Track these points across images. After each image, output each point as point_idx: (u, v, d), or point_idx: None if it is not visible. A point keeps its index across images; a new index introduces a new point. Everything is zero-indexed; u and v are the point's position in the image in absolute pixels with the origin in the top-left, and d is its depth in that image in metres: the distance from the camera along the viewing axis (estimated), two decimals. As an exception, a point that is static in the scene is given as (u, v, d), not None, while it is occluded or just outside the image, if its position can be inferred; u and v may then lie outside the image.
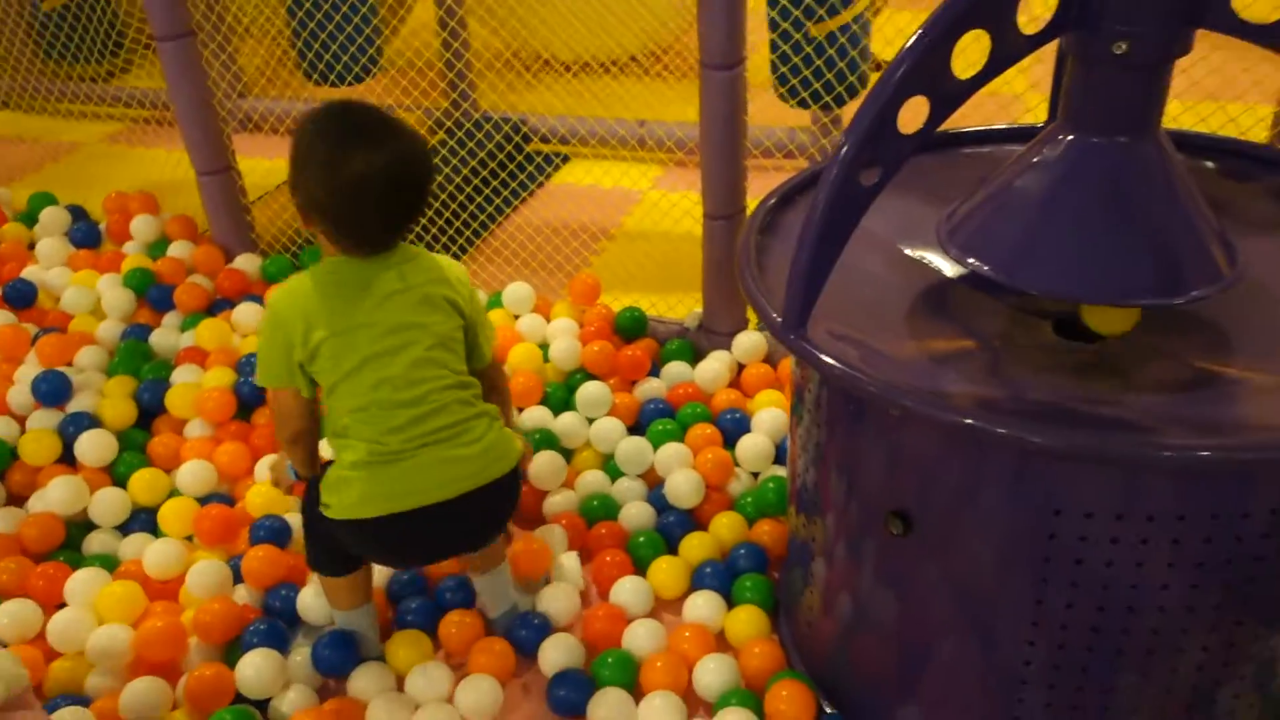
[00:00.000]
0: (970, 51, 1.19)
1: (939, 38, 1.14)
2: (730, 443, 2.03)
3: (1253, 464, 1.09)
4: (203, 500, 1.98)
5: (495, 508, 1.60)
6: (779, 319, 1.28)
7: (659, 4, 3.63)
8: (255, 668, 1.62)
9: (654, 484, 1.99)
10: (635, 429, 2.11)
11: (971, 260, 1.31)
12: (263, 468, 1.99)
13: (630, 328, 2.32)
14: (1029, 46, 1.22)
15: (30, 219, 2.82)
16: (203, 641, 1.71)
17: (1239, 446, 1.07)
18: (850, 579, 1.46)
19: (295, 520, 1.93)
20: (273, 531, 1.89)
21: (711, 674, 1.60)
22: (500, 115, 3.47)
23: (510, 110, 3.56)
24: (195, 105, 2.40)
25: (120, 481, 2.02)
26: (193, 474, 2.01)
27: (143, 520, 1.97)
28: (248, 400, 2.17)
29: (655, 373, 2.25)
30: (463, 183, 3.07)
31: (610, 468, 2.02)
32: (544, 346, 2.29)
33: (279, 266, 2.55)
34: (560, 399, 2.16)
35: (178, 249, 2.60)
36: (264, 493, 1.96)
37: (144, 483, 1.99)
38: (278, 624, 1.73)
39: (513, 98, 3.67)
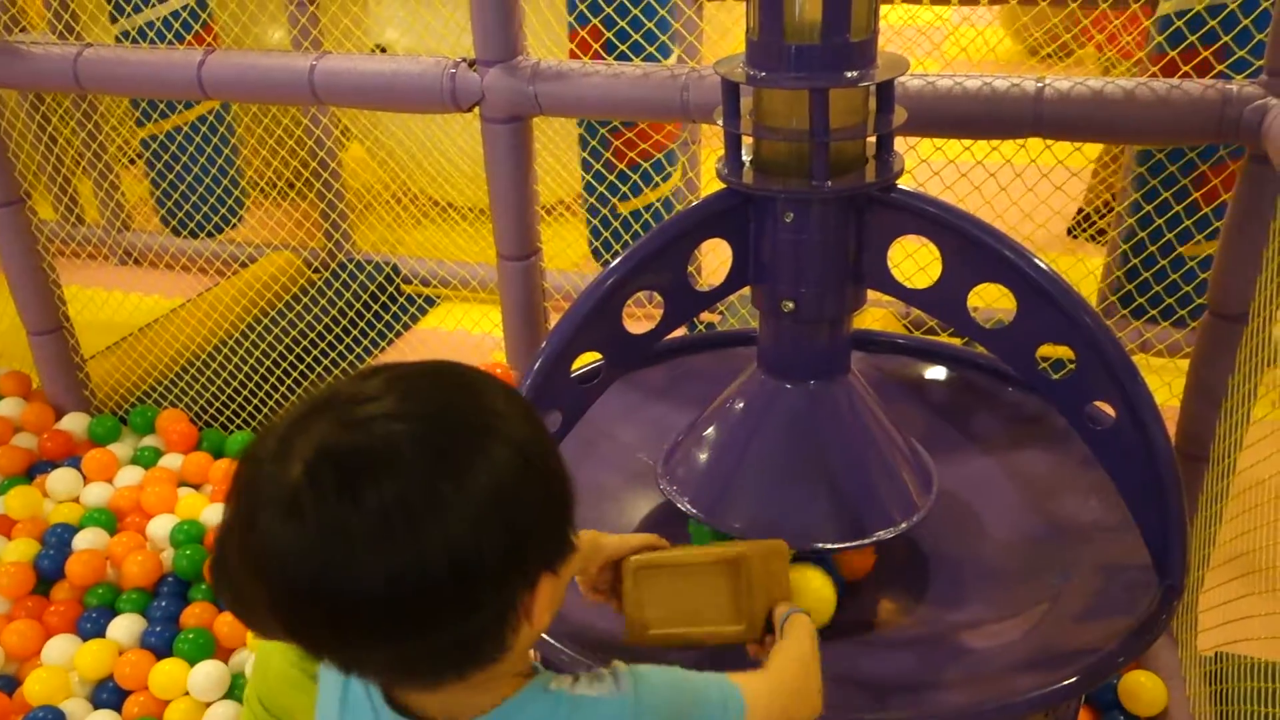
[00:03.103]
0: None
1: (606, 297, 1.20)
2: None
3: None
4: (-17, 683, 1.94)
5: None
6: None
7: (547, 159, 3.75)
8: None
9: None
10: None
11: (677, 495, 1.34)
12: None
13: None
14: (707, 300, 1.28)
15: None
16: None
17: None
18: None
19: (72, 707, 1.90)
20: (48, 722, 1.86)
21: None
22: (375, 259, 3.52)
23: (382, 251, 3.61)
24: (26, 270, 2.42)
25: (-100, 662, 1.98)
26: (-25, 655, 1.97)
27: (-81, 704, 1.92)
28: (47, 574, 2.14)
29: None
30: (332, 323, 3.11)
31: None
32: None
33: (105, 428, 2.55)
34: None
35: (7, 406, 2.59)
36: (45, 678, 1.93)
37: (-77, 664, 1.96)
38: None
39: (383, 238, 3.72)
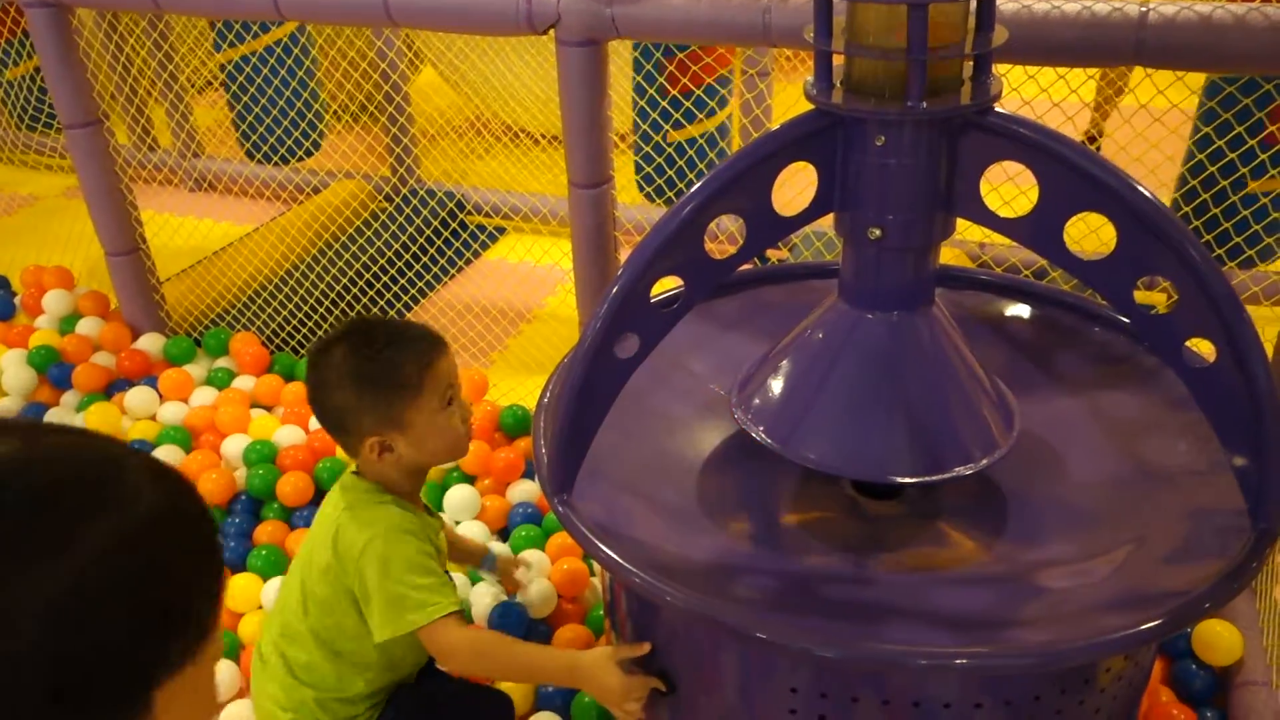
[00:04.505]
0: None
1: (688, 220, 1.17)
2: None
3: (966, 670, 1.09)
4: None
5: None
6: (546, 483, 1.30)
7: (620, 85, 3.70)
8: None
9: (513, 590, 2.01)
10: (505, 532, 2.13)
11: (750, 425, 1.33)
12: None
13: (513, 425, 2.34)
14: (789, 226, 1.25)
15: (-51, 288, 2.89)
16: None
17: (948, 655, 1.07)
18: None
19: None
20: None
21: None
22: (439, 187, 3.51)
23: (449, 181, 3.61)
24: (103, 189, 2.45)
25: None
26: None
27: None
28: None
29: (531, 474, 2.27)
30: (401, 250, 3.12)
31: (472, 573, 2.04)
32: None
33: (180, 349, 2.60)
34: (434, 500, 2.18)
35: (86, 325, 2.65)
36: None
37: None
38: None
39: (451, 168, 3.72)
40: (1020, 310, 1.65)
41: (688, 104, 2.70)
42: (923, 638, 1.10)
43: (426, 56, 4.01)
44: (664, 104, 2.65)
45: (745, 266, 1.33)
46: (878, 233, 1.20)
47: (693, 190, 1.17)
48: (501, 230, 3.52)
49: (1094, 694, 1.19)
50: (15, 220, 3.79)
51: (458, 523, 2.12)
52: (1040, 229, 1.16)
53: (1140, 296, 1.16)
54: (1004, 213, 1.20)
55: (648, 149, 2.60)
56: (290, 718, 1.45)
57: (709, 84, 2.74)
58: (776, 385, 1.33)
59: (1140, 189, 1.09)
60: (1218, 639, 1.73)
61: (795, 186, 1.27)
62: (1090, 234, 1.40)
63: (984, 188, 1.18)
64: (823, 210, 1.24)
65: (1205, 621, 1.74)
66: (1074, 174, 1.11)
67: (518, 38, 1.92)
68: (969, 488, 1.35)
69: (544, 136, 3.35)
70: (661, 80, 2.65)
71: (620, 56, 3.22)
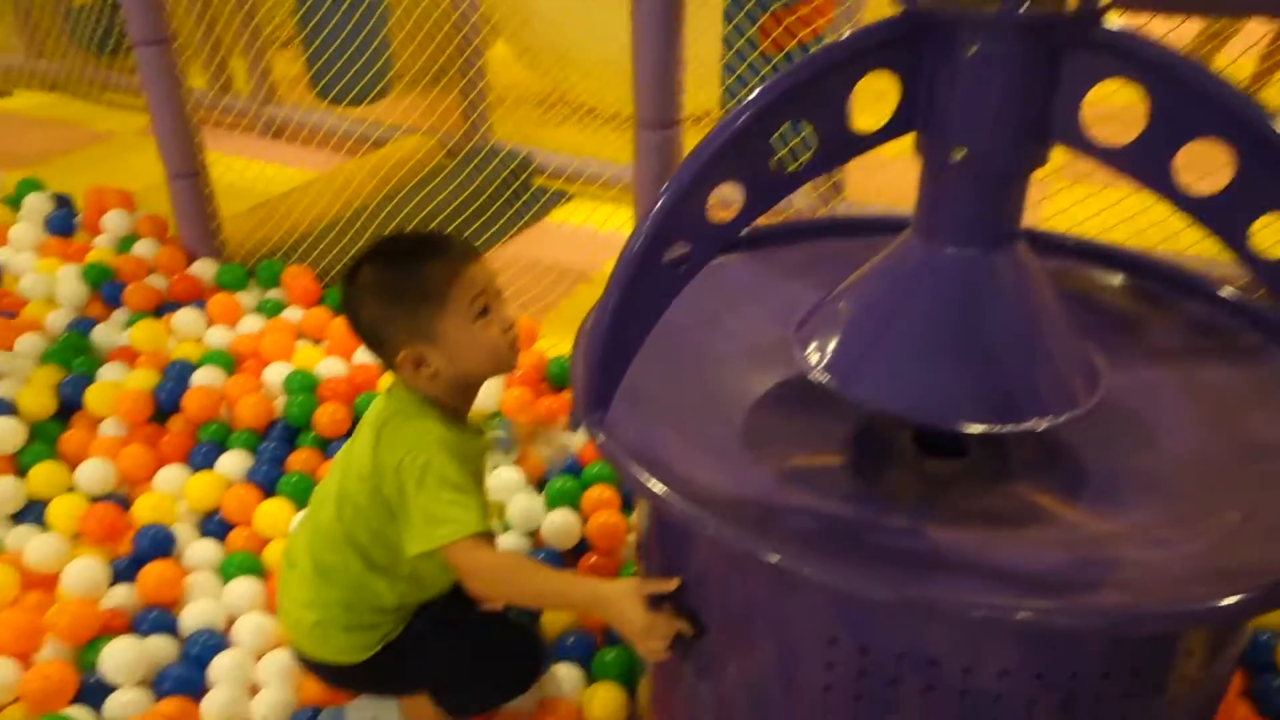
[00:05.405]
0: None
1: (752, 123, 1.08)
2: (632, 506, 1.96)
3: (1029, 626, 0.98)
4: (97, 500, 1.98)
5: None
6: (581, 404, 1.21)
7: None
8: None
9: (540, 545, 1.93)
10: (541, 483, 2.05)
11: (812, 366, 1.23)
12: None
13: (560, 376, 2.27)
14: (863, 144, 1.15)
15: (15, 203, 2.90)
16: (58, 640, 1.70)
17: (1009, 608, 0.96)
18: (663, 675, 1.38)
19: (181, 531, 1.93)
20: (156, 541, 1.88)
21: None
22: (510, 150, 3.46)
23: (520, 143, 3.56)
24: (169, 109, 2.44)
25: (23, 471, 2.03)
26: (91, 472, 2.01)
27: (37, 512, 1.97)
28: (164, 406, 2.17)
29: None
30: (462, 206, 3.07)
31: (503, 522, 1.97)
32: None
33: (232, 275, 2.57)
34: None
35: (142, 247, 2.64)
36: (154, 502, 1.96)
37: (44, 476, 2.00)
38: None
39: (522, 131, 3.68)
40: (1109, 278, 1.53)
41: (779, 59, 2.58)
42: (981, 590, 0.99)
43: (498, 28, 3.97)
44: (753, 57, 2.53)
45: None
46: (962, 154, 1.09)
47: (758, 91, 1.08)
48: (565, 195, 3.47)
49: (1170, 680, 1.08)
50: (88, 152, 3.82)
51: (495, 467, 2.05)
52: (1147, 158, 1.04)
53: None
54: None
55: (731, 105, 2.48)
56: (316, 616, 1.42)
57: (807, 45, 2.61)
58: (839, 323, 1.23)
59: (1266, 115, 0.97)
60: (1301, 654, 1.59)
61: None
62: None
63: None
64: (903, 128, 1.14)
65: (1289, 634, 1.60)
66: (1191, 96, 1.00)
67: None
68: (1042, 450, 1.24)
69: (616, 117, 3.30)
70: (753, 32, 2.54)
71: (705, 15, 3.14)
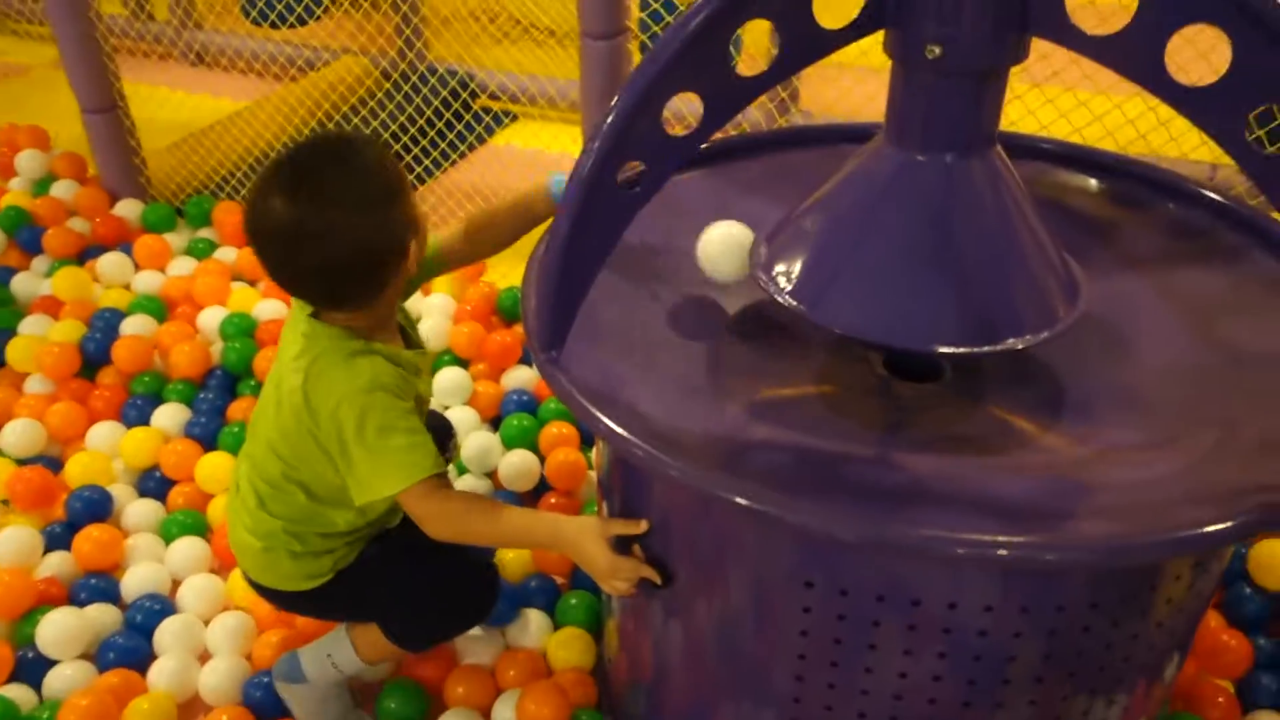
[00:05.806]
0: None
1: (708, 26, 0.98)
2: (592, 442, 1.89)
3: (1008, 562, 0.92)
4: (24, 462, 1.87)
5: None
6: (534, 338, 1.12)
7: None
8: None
9: (499, 487, 1.86)
10: (496, 420, 1.97)
11: (771, 286, 1.14)
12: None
13: (511, 309, 2.17)
14: (830, 44, 1.05)
15: (-80, 147, 2.71)
16: (-10, 612, 1.61)
17: (995, 545, 0.90)
18: (631, 620, 1.32)
19: (118, 491, 1.82)
20: (91, 503, 1.78)
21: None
22: (448, 68, 3.29)
23: (459, 63, 3.39)
24: (79, 40, 2.26)
25: (-57, 436, 1.92)
26: (18, 433, 1.89)
27: (-37, 480, 1.86)
28: (93, 358, 2.05)
29: (529, 360, 2.10)
30: (399, 131, 2.92)
31: (458, 463, 1.89)
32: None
33: (159, 215, 2.42)
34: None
35: (61, 188, 2.48)
36: (87, 462, 1.85)
37: (-35, 439, 1.89)
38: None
39: (462, 50, 3.50)
40: (1085, 182, 1.46)
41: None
42: (962, 525, 0.93)
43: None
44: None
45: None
46: (937, 50, 1.00)
47: (715, -9, 0.97)
48: (510, 116, 3.32)
49: (1159, 607, 1.03)
50: (2, 88, 3.59)
51: (446, 408, 1.96)
52: (1137, 47, 0.96)
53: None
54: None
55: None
56: (264, 543, 1.35)
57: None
58: (805, 241, 1.15)
59: (1266, -6, 0.89)
60: (1275, 560, 1.57)
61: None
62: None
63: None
64: (873, 25, 1.04)
65: (1263, 541, 1.58)
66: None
67: None
68: (1018, 370, 1.17)
69: (556, 32, 3.14)
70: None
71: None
